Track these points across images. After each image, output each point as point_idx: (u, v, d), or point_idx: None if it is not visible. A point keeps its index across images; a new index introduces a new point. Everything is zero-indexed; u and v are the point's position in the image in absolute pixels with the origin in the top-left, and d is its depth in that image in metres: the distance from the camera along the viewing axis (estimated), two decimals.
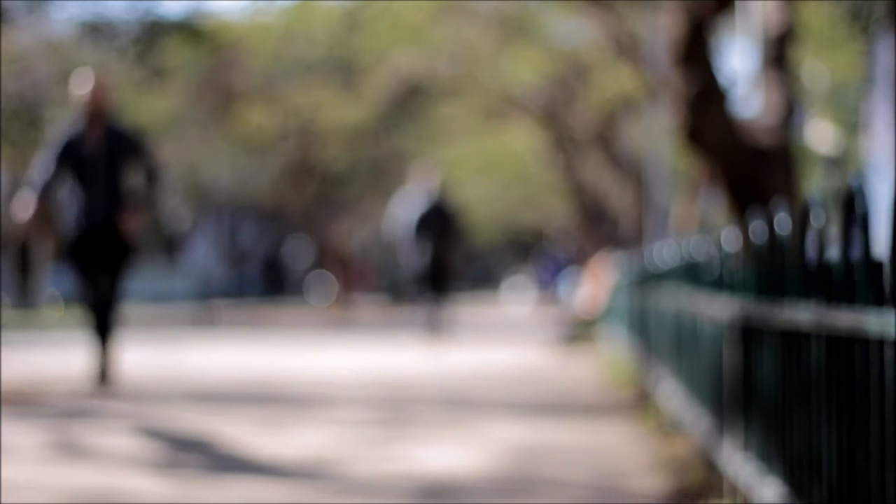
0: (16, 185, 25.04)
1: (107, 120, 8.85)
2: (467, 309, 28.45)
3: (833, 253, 3.02)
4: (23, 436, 6.30)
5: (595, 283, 18.29)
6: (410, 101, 26.77)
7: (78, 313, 8.91)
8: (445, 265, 15.57)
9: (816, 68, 19.78)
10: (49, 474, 5.20)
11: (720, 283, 4.71)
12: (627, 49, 18.33)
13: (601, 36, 19.00)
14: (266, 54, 25.68)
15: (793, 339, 3.38)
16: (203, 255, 41.62)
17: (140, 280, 39.68)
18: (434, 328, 15.48)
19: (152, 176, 8.87)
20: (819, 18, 17.01)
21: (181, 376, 10.12)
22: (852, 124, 19.88)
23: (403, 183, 23.22)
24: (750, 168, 8.61)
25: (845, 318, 2.81)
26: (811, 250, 3.20)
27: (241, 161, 32.95)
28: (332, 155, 31.19)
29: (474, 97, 23.72)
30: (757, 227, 3.98)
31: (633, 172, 21.95)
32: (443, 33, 21.86)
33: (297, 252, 44.28)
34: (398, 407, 7.75)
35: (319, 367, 11.25)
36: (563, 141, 23.87)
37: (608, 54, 19.55)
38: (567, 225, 33.36)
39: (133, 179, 8.90)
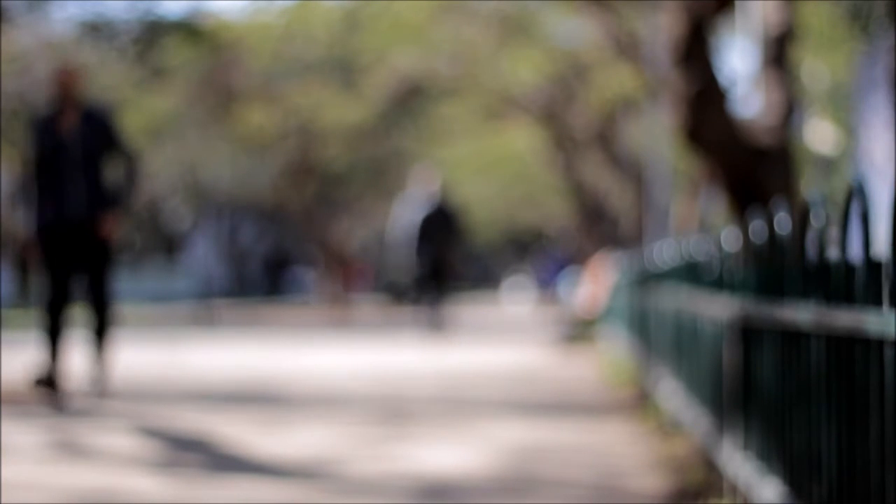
0: (16, 185, 25.05)
1: (80, 103, 8.30)
2: (467, 309, 28.44)
3: (833, 253, 3.02)
4: (23, 436, 6.30)
5: (595, 283, 18.28)
6: (410, 100, 26.76)
7: (39, 314, 8.17)
8: (447, 266, 15.85)
9: (816, 68, 19.78)
10: (49, 474, 5.21)
11: (720, 283, 4.71)
12: (627, 49, 18.33)
13: (601, 35, 19.00)
14: (266, 54, 25.67)
15: (793, 339, 3.38)
16: (203, 254, 41.63)
17: (140, 280, 39.80)
18: (436, 327, 15.73)
19: (130, 166, 8.31)
20: (819, 18, 17.00)
21: (181, 376, 10.12)
22: (852, 124, 19.89)
23: (403, 183, 23.21)
24: (750, 168, 8.61)
25: (845, 318, 2.81)
26: (811, 250, 3.20)
27: (241, 161, 32.94)
28: (332, 155, 31.17)
29: (474, 97, 23.72)
30: (757, 226, 3.98)
31: (633, 172, 21.95)
32: (443, 33, 21.86)
33: (297, 251, 44.29)
34: (398, 406, 7.75)
35: (319, 366, 11.25)
36: (562, 141, 23.87)
37: (608, 54, 19.55)
38: (567, 225, 33.36)
39: (110, 170, 8.36)
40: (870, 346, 2.63)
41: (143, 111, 26.23)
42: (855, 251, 2.78)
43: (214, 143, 31.57)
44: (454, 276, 16.34)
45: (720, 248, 4.75)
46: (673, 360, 6.49)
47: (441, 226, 15.80)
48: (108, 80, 25.69)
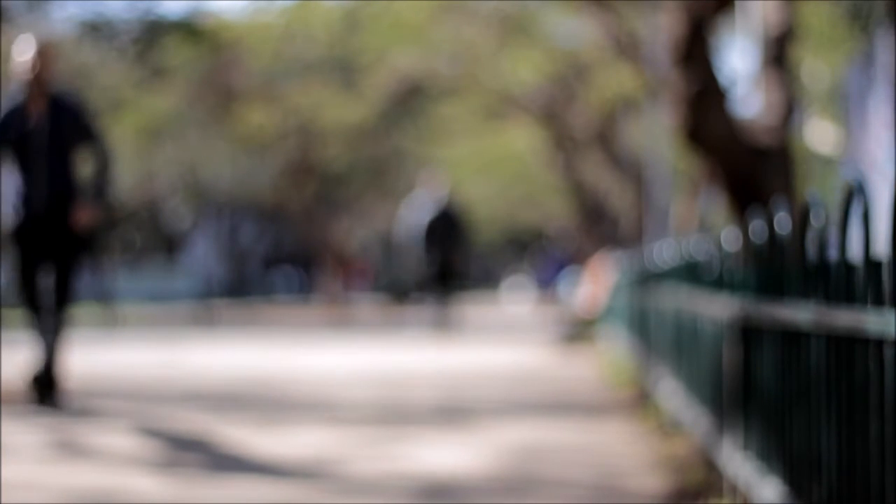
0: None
1: (51, 91, 7.75)
2: (467, 308, 28.45)
3: (833, 253, 3.02)
4: (23, 435, 6.30)
5: (595, 283, 18.27)
6: (410, 100, 26.76)
7: (25, 314, 7.78)
8: (453, 268, 16.51)
9: (816, 68, 19.78)
10: (49, 474, 5.21)
11: (720, 283, 4.71)
12: (627, 49, 18.32)
13: (601, 35, 18.99)
14: (266, 54, 25.66)
15: (793, 338, 3.38)
16: (203, 254, 41.62)
17: (140, 279, 39.80)
18: (442, 326, 16.29)
19: (103, 159, 7.82)
20: (819, 18, 17.00)
21: (181, 376, 10.12)
22: (849, 124, 19.89)
23: (403, 183, 23.31)
24: (750, 168, 8.61)
25: (845, 318, 2.81)
26: (811, 250, 3.20)
27: (241, 160, 32.95)
28: (332, 154, 31.18)
29: (474, 97, 23.71)
30: (757, 226, 3.98)
31: (633, 172, 21.94)
32: (443, 33, 21.85)
33: (286, 251, 44.28)
34: (398, 406, 7.75)
35: (319, 366, 11.25)
36: (563, 140, 23.86)
37: (608, 54, 19.54)
38: (567, 224, 33.34)
39: (82, 162, 7.88)
40: (870, 346, 2.63)
41: (143, 111, 26.24)
42: (855, 251, 2.78)
43: (214, 143, 31.58)
44: (460, 277, 16.91)
45: (720, 248, 4.75)
46: (673, 359, 6.49)
47: (447, 229, 16.40)
48: (108, 80, 25.70)
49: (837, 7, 16.51)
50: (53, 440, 6.25)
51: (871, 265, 2.65)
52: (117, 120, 26.14)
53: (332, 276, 32.15)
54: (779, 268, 3.60)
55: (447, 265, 16.43)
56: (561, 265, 35.81)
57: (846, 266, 2.84)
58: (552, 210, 34.83)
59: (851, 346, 2.77)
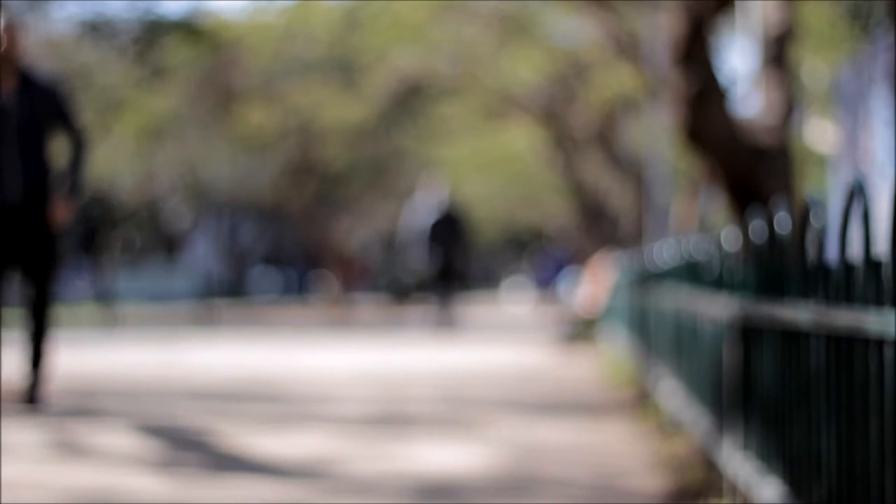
0: None
1: (22, 68, 7.23)
2: (468, 308, 28.44)
3: (832, 252, 3.02)
4: (23, 435, 6.30)
5: (595, 283, 18.27)
6: (410, 100, 26.77)
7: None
8: (455, 269, 17.10)
9: (816, 68, 19.78)
10: (49, 473, 5.20)
11: (720, 283, 4.71)
12: (627, 48, 18.32)
13: (601, 35, 18.99)
14: (266, 53, 25.66)
15: (793, 338, 3.38)
16: (203, 254, 41.62)
17: (140, 279, 39.80)
18: (446, 326, 16.83)
19: (79, 144, 7.31)
20: (819, 18, 17.00)
21: (181, 376, 10.12)
22: (847, 123, 19.87)
23: (403, 183, 23.42)
24: (750, 167, 8.61)
25: (845, 318, 2.81)
26: (811, 250, 3.20)
27: (241, 160, 32.95)
28: (331, 154, 31.19)
29: (474, 96, 23.71)
30: (757, 226, 3.98)
31: (633, 172, 21.94)
32: (443, 32, 21.85)
33: (297, 251, 44.27)
34: (398, 406, 7.75)
35: (319, 365, 11.25)
36: (562, 140, 23.86)
37: (608, 53, 19.54)
38: (567, 224, 33.34)
39: (56, 146, 7.40)
40: (869, 346, 2.63)
41: (143, 111, 26.24)
42: (855, 251, 2.78)
43: (214, 142, 31.59)
44: (462, 278, 17.57)
45: (720, 248, 4.75)
46: (673, 359, 6.49)
47: (450, 231, 16.95)
48: (108, 80, 25.70)
49: (837, 7, 16.50)
50: (53, 440, 6.25)
51: (871, 265, 2.65)
52: (117, 120, 26.16)
53: (333, 275, 32.15)
54: (779, 268, 3.60)
55: (450, 266, 16.91)
56: (561, 265, 35.79)
57: (846, 266, 2.84)
58: (552, 210, 34.83)
59: (851, 346, 2.77)
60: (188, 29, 25.40)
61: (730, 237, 4.56)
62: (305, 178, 32.01)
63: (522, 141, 27.10)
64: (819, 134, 20.45)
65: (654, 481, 4.97)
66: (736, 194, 8.62)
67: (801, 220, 3.29)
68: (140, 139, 28.39)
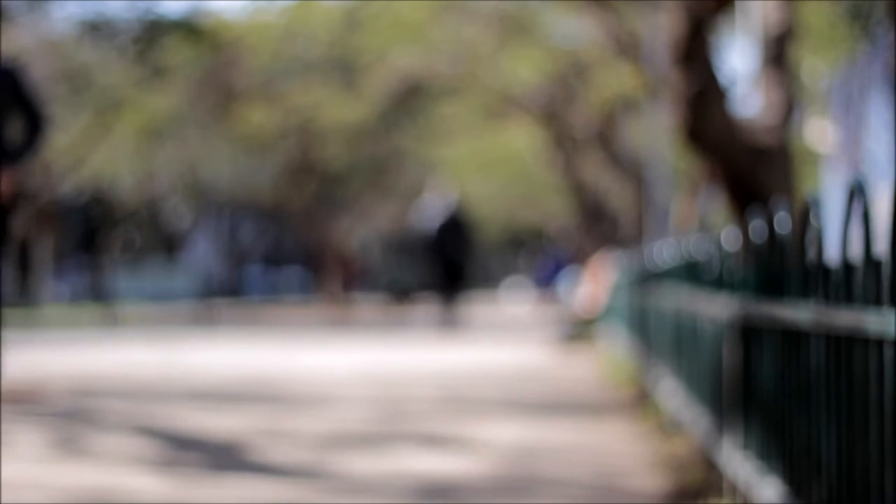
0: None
1: None
2: (468, 308, 28.44)
3: (832, 252, 3.02)
4: (23, 435, 6.30)
5: (595, 283, 18.27)
6: (410, 100, 26.77)
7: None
8: (460, 270, 17.70)
9: (816, 68, 19.78)
10: (49, 473, 5.20)
11: (720, 283, 4.71)
12: (627, 48, 18.32)
13: (601, 35, 18.99)
14: (266, 53, 25.65)
15: (793, 338, 3.38)
16: (203, 253, 41.61)
17: (140, 279, 39.79)
18: (448, 326, 17.28)
19: (34, 119, 7.08)
20: (819, 18, 17.00)
21: (181, 375, 10.12)
22: (845, 123, 19.87)
23: (404, 183, 23.54)
24: (750, 167, 8.61)
25: (845, 318, 2.81)
26: (811, 250, 3.20)
27: (241, 160, 32.94)
28: (332, 154, 31.18)
29: (474, 96, 23.71)
30: (757, 226, 3.98)
31: (633, 172, 21.93)
32: (443, 32, 21.85)
33: (297, 251, 44.26)
34: (397, 406, 7.75)
35: (319, 366, 11.25)
36: (563, 140, 23.85)
37: (608, 53, 19.54)
38: (567, 224, 33.34)
39: (10, 124, 7.17)
40: (869, 346, 2.63)
41: (143, 111, 26.23)
42: (855, 251, 2.78)
43: (214, 142, 31.58)
44: (466, 279, 18.11)
45: (720, 248, 4.75)
46: (673, 359, 6.49)
47: (456, 233, 17.56)
48: (108, 80, 25.70)
49: (837, 7, 16.50)
50: (53, 440, 6.25)
51: (871, 265, 2.65)
52: (117, 120, 26.16)
53: (333, 275, 32.15)
54: (779, 267, 3.60)
55: (454, 268, 17.44)
56: (561, 265, 35.78)
57: (846, 266, 2.84)
58: (552, 210, 34.83)
59: (851, 345, 2.77)
60: (188, 29, 25.40)
61: (730, 237, 4.56)
62: (305, 178, 32.00)
63: (522, 141, 27.10)
64: (819, 134, 20.45)
65: (654, 481, 4.97)
66: (736, 194, 8.62)
67: (801, 220, 3.29)
68: (140, 139, 28.38)
